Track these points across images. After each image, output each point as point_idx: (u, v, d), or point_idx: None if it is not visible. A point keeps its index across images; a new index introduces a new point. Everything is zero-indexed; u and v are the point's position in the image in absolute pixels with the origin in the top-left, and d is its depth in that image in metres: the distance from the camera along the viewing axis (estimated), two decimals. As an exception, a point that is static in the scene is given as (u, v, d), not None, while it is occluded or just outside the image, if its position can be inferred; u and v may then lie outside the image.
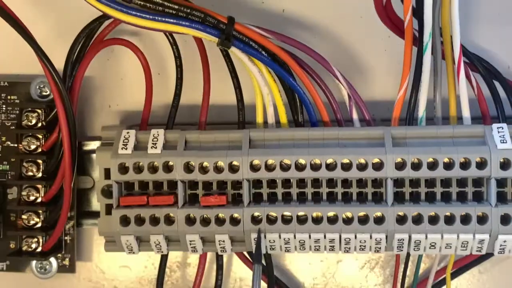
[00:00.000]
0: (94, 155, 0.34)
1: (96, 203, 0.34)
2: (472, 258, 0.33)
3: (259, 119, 0.32)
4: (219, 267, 0.34)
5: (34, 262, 0.34)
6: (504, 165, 0.28)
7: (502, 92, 0.31)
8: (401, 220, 0.29)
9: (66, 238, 0.35)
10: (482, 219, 0.28)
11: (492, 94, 0.31)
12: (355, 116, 0.31)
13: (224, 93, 0.33)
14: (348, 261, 0.35)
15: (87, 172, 0.35)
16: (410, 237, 0.29)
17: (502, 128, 0.29)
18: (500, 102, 0.31)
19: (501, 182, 0.29)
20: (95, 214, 0.34)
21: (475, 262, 0.33)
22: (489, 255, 0.32)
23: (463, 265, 0.33)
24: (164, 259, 0.33)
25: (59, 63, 0.32)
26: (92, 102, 0.36)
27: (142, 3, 0.29)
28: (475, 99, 0.31)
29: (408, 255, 0.33)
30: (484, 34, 0.34)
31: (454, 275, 0.33)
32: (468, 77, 0.31)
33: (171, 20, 0.29)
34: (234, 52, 0.30)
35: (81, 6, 0.29)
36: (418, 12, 0.29)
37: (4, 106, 0.34)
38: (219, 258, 0.34)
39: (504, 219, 0.28)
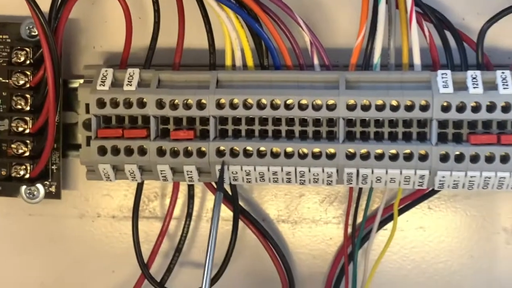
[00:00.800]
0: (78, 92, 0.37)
1: (80, 137, 0.37)
2: (418, 195, 0.35)
3: (228, 62, 0.34)
4: (191, 197, 0.37)
5: (23, 188, 0.37)
6: (445, 108, 0.31)
7: (453, 41, 0.33)
8: (351, 156, 0.32)
9: (52, 167, 0.37)
10: (423, 157, 0.31)
11: (443, 43, 0.33)
12: (316, 61, 0.34)
13: (198, 37, 0.36)
14: (309, 196, 0.38)
15: (73, 108, 0.38)
16: (358, 171, 0.32)
17: (446, 74, 0.31)
18: (450, 51, 0.33)
19: (443, 124, 0.31)
20: (79, 147, 0.36)
21: (422, 198, 0.36)
22: (434, 192, 0.36)
23: (410, 202, 0.36)
24: (139, 187, 0.36)
25: (46, 7, 0.34)
26: (77, 43, 0.38)
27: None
28: (427, 47, 0.33)
29: (359, 192, 0.36)
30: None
31: (402, 210, 0.36)
32: (421, 26, 0.33)
33: (146, -33, 0.32)
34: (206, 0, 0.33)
35: None
36: None
37: (-4, 44, 0.37)
38: (190, 189, 0.37)
39: (444, 157, 0.31)
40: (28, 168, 0.36)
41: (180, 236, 0.37)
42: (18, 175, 0.36)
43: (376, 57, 0.33)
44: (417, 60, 0.33)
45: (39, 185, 0.37)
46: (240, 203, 0.37)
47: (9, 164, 0.37)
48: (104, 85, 0.33)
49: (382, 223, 0.36)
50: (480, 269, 0.37)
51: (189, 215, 0.37)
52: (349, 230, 0.37)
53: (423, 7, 0.33)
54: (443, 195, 0.37)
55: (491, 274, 0.37)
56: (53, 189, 0.38)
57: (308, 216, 0.38)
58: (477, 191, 0.36)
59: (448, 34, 0.34)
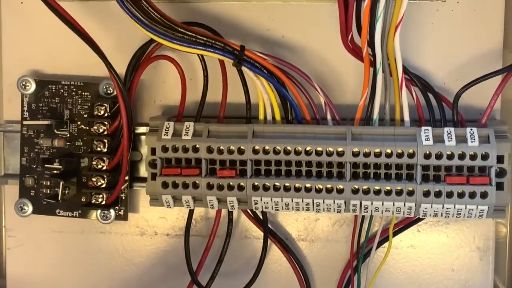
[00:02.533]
0: (142, 137, 0.45)
1: (143, 171, 0.46)
2: (409, 221, 0.43)
3: (261, 116, 0.43)
4: (230, 221, 0.45)
5: (98, 211, 0.45)
6: (427, 156, 0.39)
7: (434, 102, 0.41)
8: (355, 191, 0.40)
9: (122, 195, 0.45)
10: (411, 192, 0.39)
11: (426, 103, 0.41)
12: (329, 116, 0.42)
13: (237, 96, 0.43)
14: (324, 220, 0.46)
15: (137, 148, 0.46)
16: (361, 203, 0.40)
17: (428, 130, 0.39)
18: (432, 109, 0.41)
19: (425, 168, 0.39)
20: (142, 179, 0.45)
21: (412, 223, 0.44)
22: (421, 219, 0.44)
23: (403, 226, 0.44)
24: (191, 213, 0.44)
25: (121, 70, 0.42)
26: (142, 98, 0.46)
27: (181, 35, 0.40)
28: (415, 106, 0.41)
29: (362, 218, 0.44)
30: (428, 60, 0.44)
31: (396, 233, 0.44)
32: (409, 90, 0.41)
33: (201, 48, 0.40)
34: (244, 69, 0.42)
35: (136, 28, 0.39)
36: (371, 45, 0.39)
37: (80, 99, 0.45)
38: (230, 214, 0.45)
39: (426, 193, 0.39)
40: (104, 196, 0.44)
41: (221, 251, 0.45)
42: (97, 202, 0.44)
43: (375, 114, 0.41)
44: (406, 117, 0.41)
45: (111, 210, 0.45)
46: (271, 227, 0.45)
47: (89, 193, 0.44)
48: (167, 135, 0.41)
49: (381, 243, 0.44)
50: (459, 280, 0.45)
51: (228, 234, 0.45)
52: (355, 248, 0.44)
53: (411, 75, 0.41)
54: (429, 221, 0.45)
55: (467, 283, 0.45)
56: (121, 212, 0.45)
57: (322, 236, 0.46)
58: (455, 219, 0.45)
59: (431, 96, 0.42)
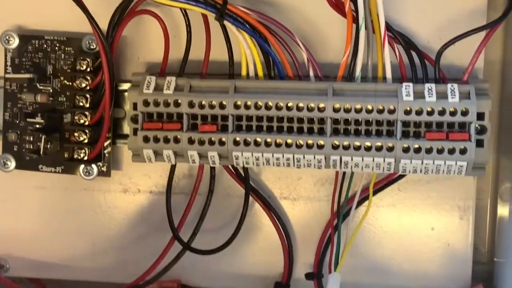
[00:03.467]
0: (126, 93, 0.45)
1: (126, 128, 0.46)
2: (389, 179, 0.44)
3: (243, 72, 0.42)
4: (212, 177, 0.45)
5: (81, 167, 0.45)
6: (407, 112, 0.39)
7: (417, 59, 0.41)
8: (336, 147, 0.40)
9: (105, 152, 0.45)
10: (390, 148, 0.39)
11: (409, 61, 0.41)
12: (311, 73, 0.42)
13: (220, 52, 0.43)
14: (306, 179, 0.46)
15: (120, 105, 0.46)
16: (341, 158, 0.40)
17: (409, 86, 0.39)
18: (415, 67, 0.41)
19: (406, 124, 0.39)
20: (125, 137, 0.45)
21: (392, 181, 0.44)
22: (401, 176, 0.44)
23: (383, 184, 0.44)
24: (173, 168, 0.44)
25: (103, 25, 0.42)
26: (125, 54, 0.46)
27: (163, -12, 0.41)
28: (398, 64, 0.41)
29: (343, 177, 0.44)
30: (412, 19, 0.44)
31: (377, 191, 0.44)
32: (392, 47, 0.41)
33: (183, 0, 0.40)
34: (227, 24, 0.41)
35: None
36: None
37: (63, 55, 0.45)
38: (212, 171, 0.45)
39: (406, 149, 0.39)
40: (87, 152, 0.44)
41: (203, 208, 0.45)
42: (79, 157, 0.44)
43: (358, 71, 0.41)
44: (388, 75, 0.41)
45: (93, 166, 0.45)
46: (251, 183, 0.45)
47: (72, 148, 0.45)
48: (149, 89, 0.41)
49: (362, 202, 0.44)
50: (439, 238, 0.45)
51: (210, 191, 0.45)
52: (335, 207, 0.44)
53: (394, 32, 0.41)
54: (409, 179, 0.45)
55: (447, 242, 0.45)
56: (104, 168, 0.45)
57: (305, 195, 0.47)
58: (436, 177, 0.45)
59: (414, 54, 0.42)
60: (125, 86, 0.46)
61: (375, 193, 0.44)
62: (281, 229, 0.46)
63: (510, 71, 0.45)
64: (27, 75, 0.45)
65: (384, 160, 0.40)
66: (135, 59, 0.47)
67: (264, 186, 0.47)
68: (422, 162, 0.40)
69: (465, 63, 0.41)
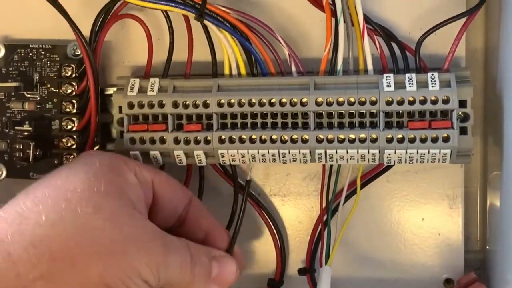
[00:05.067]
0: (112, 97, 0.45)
1: (115, 132, 0.46)
2: (376, 171, 0.44)
3: (226, 71, 0.43)
4: (202, 177, 0.46)
5: None
6: (389, 102, 0.39)
7: (398, 51, 0.42)
8: (320, 140, 0.40)
9: None
10: (374, 140, 0.39)
11: (390, 53, 0.42)
12: (293, 69, 0.43)
13: (203, 53, 0.43)
14: (294, 174, 0.47)
15: (108, 110, 0.46)
16: (326, 152, 0.40)
17: (389, 77, 0.40)
18: (396, 58, 0.41)
19: (388, 114, 0.40)
20: (114, 140, 0.45)
21: (380, 173, 0.44)
22: (389, 167, 0.44)
23: (371, 176, 0.44)
24: (161, 168, 0.44)
25: (86, 31, 0.43)
26: (111, 59, 0.47)
27: (142, -10, 0.41)
28: (379, 56, 0.42)
29: (330, 170, 0.44)
30: (392, 10, 0.44)
31: (365, 183, 0.44)
32: (372, 39, 0.41)
33: (162, 2, 0.41)
34: (208, 24, 0.42)
35: None
36: None
37: (48, 62, 0.46)
38: (201, 170, 0.45)
39: (389, 140, 0.39)
40: (75, 157, 0.44)
41: None
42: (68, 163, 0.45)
43: (339, 65, 0.41)
44: (370, 67, 0.41)
45: None
46: (240, 181, 0.45)
47: (61, 154, 0.45)
48: (132, 92, 0.42)
49: (351, 195, 0.44)
50: (430, 228, 0.46)
51: (201, 193, 0.46)
52: (324, 202, 0.44)
53: (373, 24, 0.42)
54: (398, 171, 0.45)
55: (438, 231, 0.45)
56: None
57: (294, 190, 0.47)
58: (423, 167, 0.45)
59: (395, 45, 0.42)
60: (112, 90, 0.46)
61: (363, 186, 0.44)
62: (272, 226, 0.46)
63: (492, 58, 0.45)
64: (14, 84, 0.46)
65: (368, 152, 0.40)
66: (121, 63, 0.47)
67: (254, 183, 0.47)
68: (406, 152, 0.40)
69: (447, 52, 0.42)
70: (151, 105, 0.42)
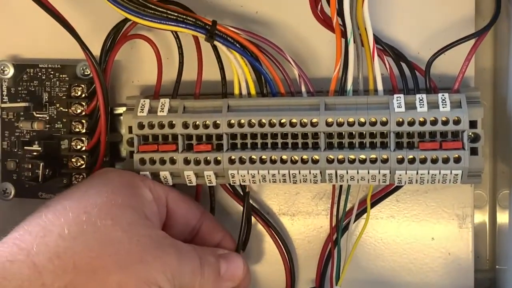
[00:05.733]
0: (122, 117, 0.45)
1: (124, 151, 0.46)
2: (386, 190, 0.44)
3: (236, 91, 0.43)
4: (212, 196, 0.46)
5: None
6: (399, 123, 0.39)
7: (408, 71, 0.41)
8: (330, 161, 0.40)
9: None
10: (385, 160, 0.39)
11: (400, 73, 0.41)
12: (303, 89, 0.42)
13: (213, 72, 0.43)
14: (303, 193, 0.47)
15: (117, 130, 0.46)
16: (336, 172, 0.40)
17: (400, 97, 0.40)
18: (405, 78, 0.41)
19: (399, 135, 0.40)
20: (123, 160, 0.45)
21: (390, 193, 0.44)
22: (399, 187, 0.44)
23: (381, 196, 0.44)
24: None
25: (96, 51, 0.43)
26: (120, 79, 0.47)
27: (152, 11, 0.41)
28: (388, 76, 0.42)
29: (340, 190, 0.44)
30: (401, 30, 0.44)
31: (375, 203, 0.44)
32: (382, 59, 0.41)
33: (172, 23, 0.41)
34: (218, 44, 0.42)
35: (111, 9, 0.40)
36: (341, 14, 0.40)
37: (58, 82, 0.46)
38: (211, 190, 0.46)
39: (400, 160, 0.39)
40: (85, 177, 0.44)
41: None
42: (77, 182, 0.45)
43: (349, 85, 0.41)
44: (380, 87, 0.41)
45: None
46: (250, 201, 0.45)
47: (70, 174, 0.45)
48: (143, 112, 0.42)
49: (361, 214, 0.44)
50: (440, 248, 0.45)
51: (212, 209, 0.46)
52: (334, 221, 0.44)
53: (383, 45, 0.42)
54: (407, 190, 0.45)
55: (448, 251, 0.45)
56: None
57: (303, 209, 0.47)
58: (433, 187, 0.45)
59: (404, 65, 0.42)
60: (121, 110, 0.46)
61: (373, 205, 0.44)
62: (282, 245, 0.46)
63: (501, 77, 0.45)
64: (23, 104, 0.46)
65: (379, 172, 0.40)
66: (130, 82, 0.48)
67: (263, 202, 0.47)
68: (417, 173, 0.40)
69: (457, 72, 0.42)
70: (161, 126, 0.42)
